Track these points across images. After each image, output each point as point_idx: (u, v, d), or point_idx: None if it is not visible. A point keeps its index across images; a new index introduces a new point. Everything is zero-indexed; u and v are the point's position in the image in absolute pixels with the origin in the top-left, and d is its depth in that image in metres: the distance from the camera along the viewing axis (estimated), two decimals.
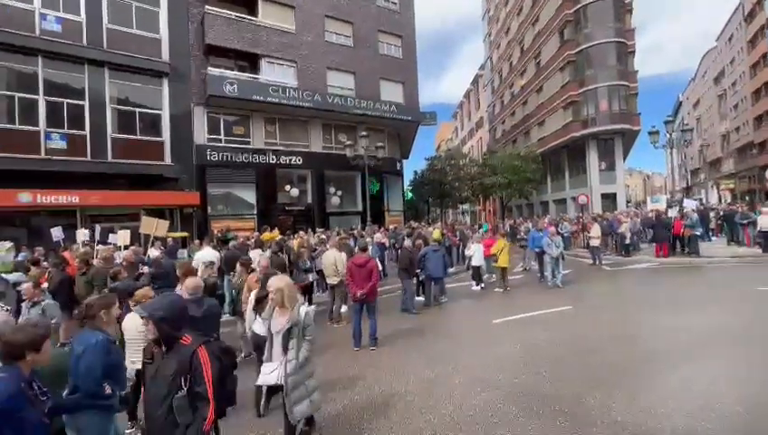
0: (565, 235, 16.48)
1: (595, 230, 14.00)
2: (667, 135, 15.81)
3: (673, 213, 16.33)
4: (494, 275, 10.91)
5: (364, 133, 15.25)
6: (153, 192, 14.16)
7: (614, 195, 28.02)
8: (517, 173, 28.56)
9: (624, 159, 30.12)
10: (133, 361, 3.93)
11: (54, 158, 12.46)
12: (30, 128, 12.37)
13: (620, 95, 27.23)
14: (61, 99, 12.89)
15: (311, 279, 9.05)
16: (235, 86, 16.01)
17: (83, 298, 6.75)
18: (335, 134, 20.03)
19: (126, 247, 9.12)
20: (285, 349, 3.35)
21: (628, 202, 32.43)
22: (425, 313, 8.50)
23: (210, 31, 16.01)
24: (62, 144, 12.68)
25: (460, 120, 65.92)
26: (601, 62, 27.54)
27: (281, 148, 18.18)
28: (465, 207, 47.30)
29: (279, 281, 3.47)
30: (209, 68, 16.13)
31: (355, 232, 13.68)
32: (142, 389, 2.46)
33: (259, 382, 3.52)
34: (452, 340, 6.62)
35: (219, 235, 10.29)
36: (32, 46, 12.36)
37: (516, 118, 39.12)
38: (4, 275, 6.83)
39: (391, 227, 17.31)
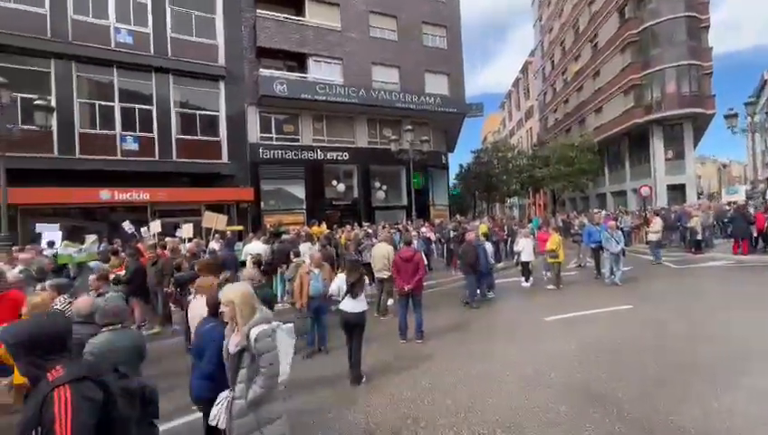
0: (625, 229, 15.37)
1: (656, 224, 12.90)
2: (748, 118, 14.14)
3: (756, 205, 14.62)
4: (548, 273, 10.39)
5: (409, 127, 15.22)
6: (212, 189, 15.19)
7: (683, 186, 25.57)
8: (571, 164, 27.00)
9: (695, 146, 27.33)
10: None
11: (128, 158, 13.78)
12: (108, 132, 13.76)
13: (691, 75, 24.68)
14: (132, 105, 14.19)
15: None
16: (285, 86, 16.65)
17: (154, 286, 7.49)
18: (380, 129, 20.19)
19: (190, 240, 9.88)
20: (233, 381, 2.52)
21: (699, 194, 29.47)
22: (471, 308, 8.38)
23: (261, 34, 16.75)
24: (134, 146, 13.98)
25: (508, 110, 63.46)
26: (669, 39, 25.07)
27: (328, 144, 18.67)
28: (513, 200, 45.65)
29: (232, 292, 2.59)
30: (261, 69, 16.91)
31: (400, 226, 13.75)
32: None
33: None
34: (501, 336, 6.47)
35: (272, 228, 10.84)
36: (108, 58, 13.70)
37: (570, 106, 36.91)
38: (86, 263, 7.71)
39: (437, 221, 17.19)
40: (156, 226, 10.75)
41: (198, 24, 15.56)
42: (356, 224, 15.10)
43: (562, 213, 28.42)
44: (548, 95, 43.16)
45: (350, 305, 4.94)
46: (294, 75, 17.74)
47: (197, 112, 15.48)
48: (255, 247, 8.72)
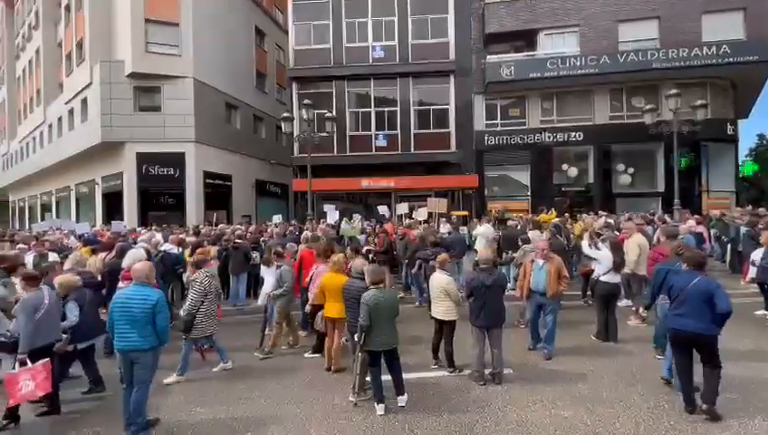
0: None
1: None
2: None
3: None
4: None
5: (674, 92, 11.99)
6: (441, 176, 16.68)
7: None
8: None
9: None
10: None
11: (380, 153, 16.86)
12: (366, 133, 17.21)
13: None
14: (383, 108, 17.17)
15: (593, 267, 8.17)
16: (512, 68, 16.19)
17: (401, 258, 8.96)
18: (627, 100, 16.80)
19: (426, 222, 11.23)
20: None
21: None
22: None
23: (490, 20, 16.82)
24: (383, 143, 16.95)
25: None
26: None
27: (558, 125, 17.07)
28: None
29: None
30: (488, 57, 17.04)
31: (656, 217, 11.16)
32: None
33: None
34: None
35: (497, 214, 10.98)
36: (367, 73, 17.00)
37: None
38: (355, 237, 9.92)
39: (714, 212, 12.94)
40: (403, 208, 12.78)
41: (433, 26, 17.08)
42: (590, 213, 13.25)
43: None
44: None
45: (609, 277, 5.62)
46: (521, 55, 16.99)
47: (431, 108, 17.19)
48: (486, 230, 9.07)
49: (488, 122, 17.62)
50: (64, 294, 4.67)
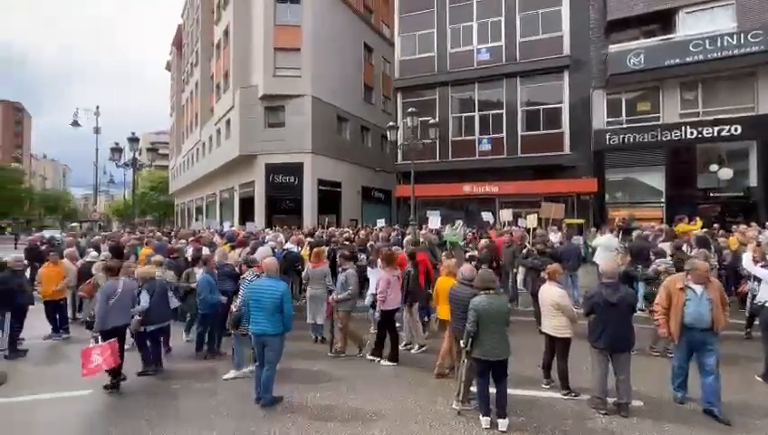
0: None
1: None
2: None
3: None
4: None
5: None
6: (552, 181, 15.40)
7: None
8: None
9: None
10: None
11: (483, 158, 16.37)
12: (469, 137, 16.89)
13: None
14: (487, 111, 16.65)
15: (746, 289, 6.60)
16: (641, 56, 14.13)
17: (507, 265, 8.56)
18: None
19: (534, 229, 10.52)
20: None
21: None
22: None
23: (614, 6, 14.98)
24: (487, 147, 16.42)
25: None
26: None
27: (704, 117, 14.28)
28: None
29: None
30: (610, 47, 15.19)
31: None
32: None
33: None
34: None
35: (621, 223, 9.65)
36: (471, 77, 16.72)
37: None
38: (457, 244, 9.79)
39: None
40: (507, 214, 12.21)
41: (544, 20, 15.99)
42: (753, 224, 10.72)
43: None
44: None
45: None
46: (654, 41, 14.67)
47: (541, 108, 16.06)
48: (608, 241, 8.09)
49: (610, 119, 15.65)
50: (141, 284, 5.57)
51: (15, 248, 22.09)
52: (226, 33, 23.59)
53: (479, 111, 16.77)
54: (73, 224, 43.02)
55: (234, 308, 5.28)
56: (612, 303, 4.17)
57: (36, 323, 6.86)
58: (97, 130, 20.66)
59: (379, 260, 6.47)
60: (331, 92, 21.22)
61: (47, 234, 22.98)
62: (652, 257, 6.42)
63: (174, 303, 6.15)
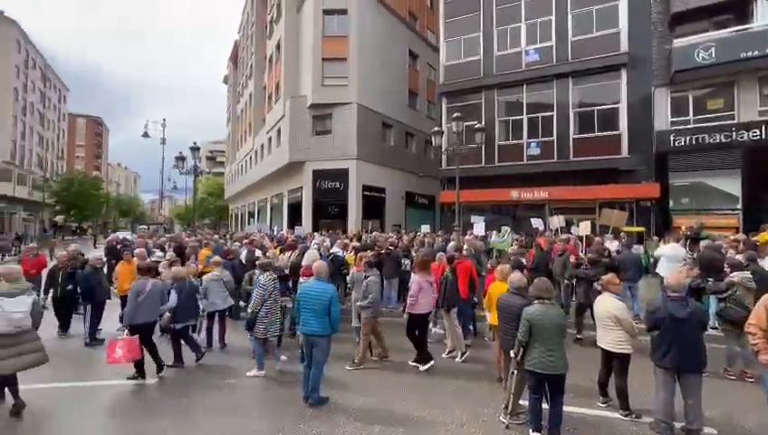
0: None
1: None
2: None
3: None
4: None
5: None
6: (607, 186, 14.44)
7: None
8: None
9: None
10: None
11: (532, 162, 15.77)
12: (516, 141, 16.36)
13: None
14: (536, 114, 16.04)
15: None
16: (712, 50, 12.94)
17: (557, 275, 8.16)
18: None
19: (586, 237, 9.95)
20: None
21: None
22: None
23: None
24: (536, 151, 15.80)
25: None
26: None
27: None
28: None
29: None
30: (674, 41, 14.06)
31: None
32: None
33: None
34: None
35: (689, 232, 8.83)
36: (519, 79, 16.22)
37: None
38: (505, 251, 9.51)
39: None
40: (558, 221, 11.67)
41: (599, 17, 15.16)
42: None
43: None
44: None
45: None
46: (727, 32, 13.36)
47: (595, 109, 15.19)
48: (674, 251, 7.47)
49: (675, 119, 14.44)
50: (172, 283, 5.97)
51: (95, 248, 24.62)
52: (278, 46, 24.85)
53: (527, 113, 16.21)
54: (142, 226, 47.19)
55: (248, 310, 5.51)
56: (680, 318, 3.85)
57: (113, 315, 7.60)
58: (163, 141, 22.58)
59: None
60: (377, 99, 21.55)
61: (120, 235, 25.38)
62: (727, 270, 5.81)
63: (204, 303, 6.54)
